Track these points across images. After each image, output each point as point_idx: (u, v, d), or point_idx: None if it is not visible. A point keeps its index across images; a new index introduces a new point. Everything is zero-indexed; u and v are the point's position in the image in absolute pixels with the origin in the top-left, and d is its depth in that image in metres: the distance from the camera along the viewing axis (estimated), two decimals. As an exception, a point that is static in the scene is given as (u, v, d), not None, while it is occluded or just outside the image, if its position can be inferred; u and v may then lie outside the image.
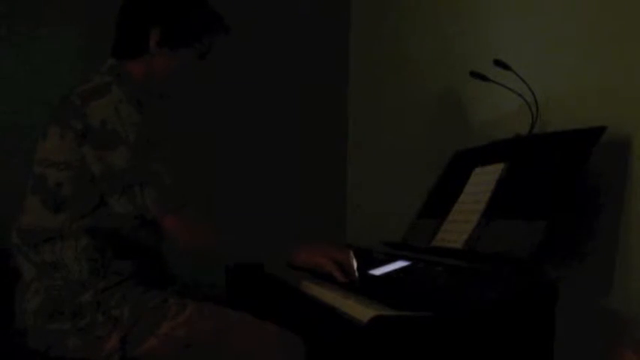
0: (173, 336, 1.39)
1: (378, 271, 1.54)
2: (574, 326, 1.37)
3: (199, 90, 2.54)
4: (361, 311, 1.15)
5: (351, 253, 1.53)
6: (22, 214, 1.49)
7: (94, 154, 1.40)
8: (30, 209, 1.47)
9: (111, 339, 1.37)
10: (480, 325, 1.14)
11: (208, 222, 1.47)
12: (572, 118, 1.53)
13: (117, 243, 1.45)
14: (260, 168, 2.85)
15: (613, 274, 1.41)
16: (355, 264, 1.51)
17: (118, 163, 1.39)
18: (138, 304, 1.41)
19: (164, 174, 1.41)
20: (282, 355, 1.41)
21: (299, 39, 2.95)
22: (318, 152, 2.97)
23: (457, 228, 1.57)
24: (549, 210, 1.33)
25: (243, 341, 1.42)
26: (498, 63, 1.71)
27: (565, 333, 1.25)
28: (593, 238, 1.47)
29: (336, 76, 3.04)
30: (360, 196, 2.96)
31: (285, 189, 2.88)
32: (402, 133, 2.55)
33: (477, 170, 1.67)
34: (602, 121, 1.38)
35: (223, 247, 1.53)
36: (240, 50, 2.78)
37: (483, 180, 1.60)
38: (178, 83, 1.62)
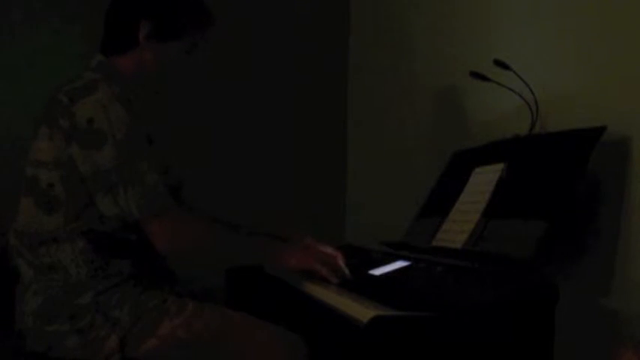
0: (173, 336, 1.39)
1: (378, 271, 1.54)
2: (574, 326, 1.37)
3: (198, 88, 2.54)
4: (361, 311, 1.14)
5: (338, 251, 1.53)
6: (18, 215, 1.49)
7: (81, 153, 1.39)
8: (24, 210, 1.47)
9: (110, 340, 1.37)
10: (479, 325, 1.14)
11: (197, 224, 1.46)
12: (572, 118, 1.53)
13: (114, 244, 1.44)
14: (259, 168, 2.85)
15: (613, 274, 1.41)
16: (343, 262, 1.51)
17: (104, 162, 1.37)
18: (137, 304, 1.40)
19: (149, 174, 1.39)
20: (283, 354, 1.41)
21: (299, 38, 2.94)
22: (317, 152, 2.97)
23: (457, 228, 1.57)
24: (549, 210, 1.33)
25: (243, 341, 1.42)
26: (498, 63, 1.71)
27: (565, 333, 1.25)
28: (593, 238, 1.47)
29: (336, 75, 3.04)
30: (359, 196, 2.96)
31: (285, 189, 2.88)
32: (401, 133, 2.55)
33: (477, 170, 1.67)
34: (602, 121, 1.38)
35: (219, 249, 1.52)
36: (239, 47, 2.78)
37: (483, 180, 1.60)
38: (169, 77, 1.61)
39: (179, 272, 1.62)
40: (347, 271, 1.50)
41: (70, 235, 1.42)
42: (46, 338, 1.40)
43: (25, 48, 2.58)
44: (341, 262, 1.51)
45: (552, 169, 1.42)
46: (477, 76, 1.80)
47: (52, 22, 2.61)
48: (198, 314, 1.42)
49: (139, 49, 1.54)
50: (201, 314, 1.43)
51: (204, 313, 1.43)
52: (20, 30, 2.58)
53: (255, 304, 1.85)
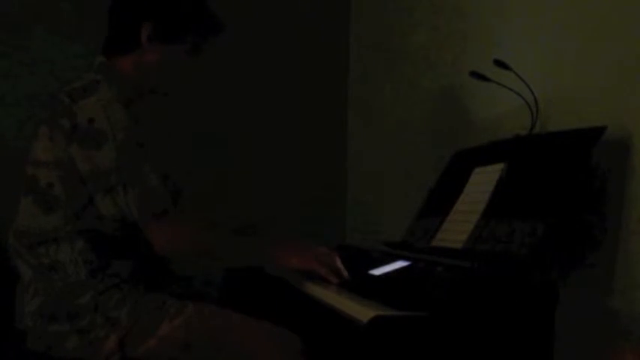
0: (172, 337, 1.39)
1: (378, 271, 1.54)
2: (574, 326, 1.36)
3: (198, 88, 2.54)
4: (361, 311, 1.14)
5: (334, 252, 1.54)
6: (18, 214, 1.49)
7: (81, 153, 1.39)
8: (24, 210, 1.47)
9: (110, 340, 1.37)
10: (479, 325, 1.14)
11: (196, 226, 1.46)
12: (572, 118, 1.53)
13: (114, 244, 1.45)
14: (259, 167, 2.85)
15: (613, 274, 1.41)
16: (340, 263, 1.51)
17: (104, 162, 1.37)
18: (137, 305, 1.40)
19: (150, 175, 1.39)
20: (282, 355, 1.41)
21: (299, 38, 2.94)
22: (317, 152, 2.97)
23: (457, 228, 1.57)
24: (549, 210, 1.33)
25: (242, 342, 1.42)
26: (498, 63, 1.71)
27: (565, 333, 1.25)
28: (593, 238, 1.47)
29: (336, 76, 3.04)
30: (360, 196, 2.96)
31: (285, 189, 2.88)
32: (402, 133, 2.55)
33: (477, 170, 1.66)
34: (602, 121, 1.38)
35: (218, 250, 1.52)
36: (238, 48, 2.78)
37: (483, 180, 1.60)
38: (170, 79, 1.61)
39: (179, 272, 1.62)
40: (345, 272, 1.50)
41: (70, 235, 1.42)
42: (45, 338, 1.40)
43: (26, 48, 2.58)
44: (339, 262, 1.51)
45: (552, 169, 1.42)
46: (477, 76, 1.80)
47: (52, 22, 2.61)
48: (197, 315, 1.42)
49: (140, 50, 1.54)
50: (201, 315, 1.43)
51: (204, 314, 1.43)
52: (20, 30, 2.58)
53: (255, 304, 1.85)
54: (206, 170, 2.69)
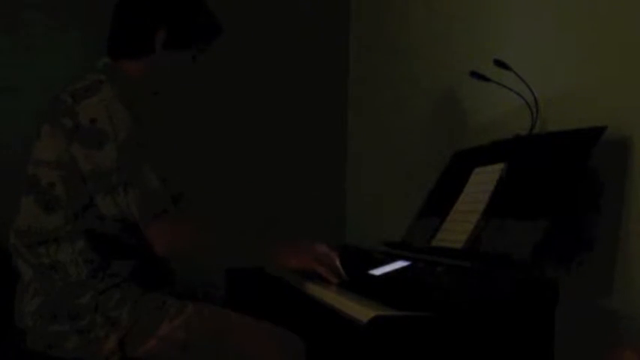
0: (172, 337, 1.39)
1: (378, 271, 1.54)
2: (574, 326, 1.37)
3: (198, 89, 2.54)
4: (361, 311, 1.15)
5: (334, 251, 1.54)
6: (18, 214, 1.49)
7: (83, 153, 1.39)
8: (25, 209, 1.47)
9: (109, 340, 1.37)
10: (479, 325, 1.14)
11: (196, 226, 1.46)
12: (572, 118, 1.53)
13: (114, 244, 1.45)
14: (259, 168, 2.85)
15: (613, 274, 1.41)
16: (338, 262, 1.51)
17: (105, 162, 1.37)
18: (137, 305, 1.40)
19: (150, 176, 1.39)
20: (282, 355, 1.41)
21: (299, 38, 2.95)
22: (317, 152, 2.97)
23: (457, 228, 1.57)
24: (549, 210, 1.33)
25: (242, 342, 1.42)
26: (498, 63, 1.71)
27: (565, 333, 1.25)
28: (593, 238, 1.47)
29: (336, 76, 3.04)
30: (360, 196, 2.96)
31: (285, 189, 2.88)
32: (401, 133, 2.55)
33: (477, 170, 1.67)
34: (602, 121, 1.38)
35: (218, 251, 1.52)
36: (238, 48, 2.78)
37: (483, 180, 1.60)
38: (176, 84, 1.62)
39: (179, 273, 1.62)
40: (342, 272, 1.50)
41: (70, 235, 1.42)
42: (45, 338, 1.40)
43: (26, 48, 2.58)
44: (338, 262, 1.51)
45: (552, 169, 1.42)
46: (477, 76, 1.80)
47: (53, 24, 2.61)
48: (197, 316, 1.42)
49: (152, 55, 1.55)
50: (201, 315, 1.43)
51: (204, 314, 1.43)
52: (21, 31, 2.58)
53: (255, 304, 1.85)
54: (206, 170, 2.69)
